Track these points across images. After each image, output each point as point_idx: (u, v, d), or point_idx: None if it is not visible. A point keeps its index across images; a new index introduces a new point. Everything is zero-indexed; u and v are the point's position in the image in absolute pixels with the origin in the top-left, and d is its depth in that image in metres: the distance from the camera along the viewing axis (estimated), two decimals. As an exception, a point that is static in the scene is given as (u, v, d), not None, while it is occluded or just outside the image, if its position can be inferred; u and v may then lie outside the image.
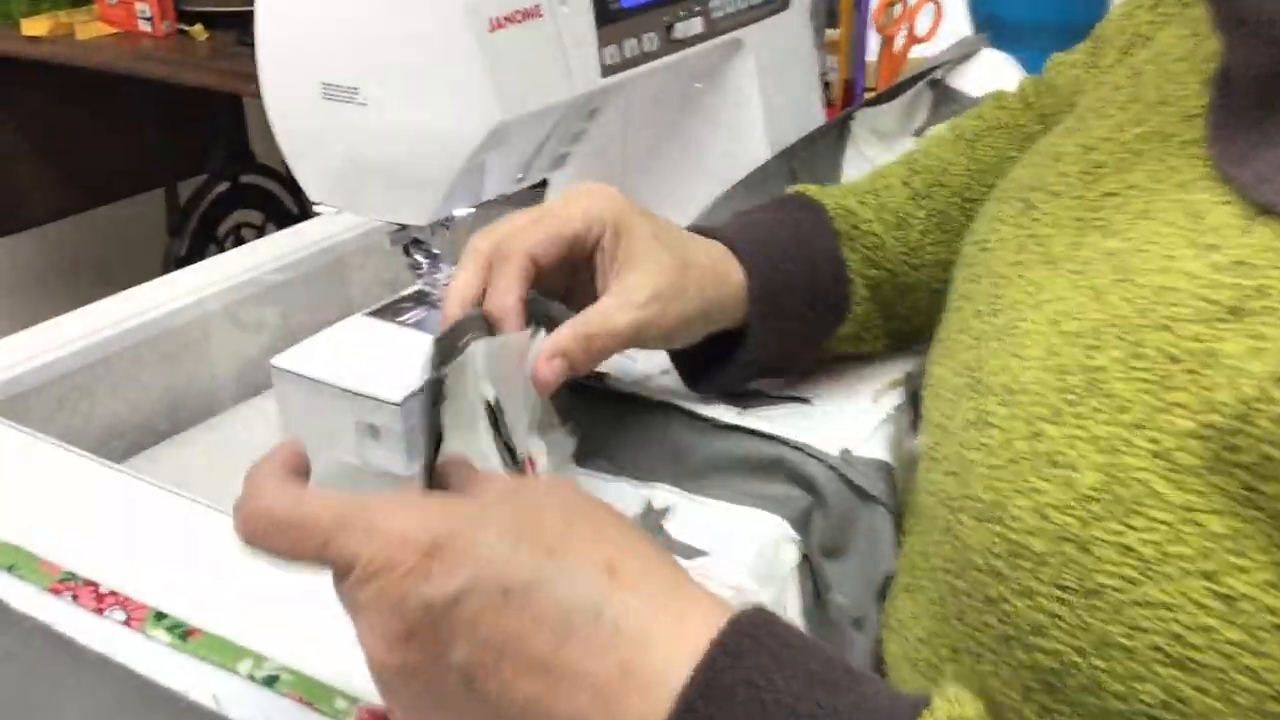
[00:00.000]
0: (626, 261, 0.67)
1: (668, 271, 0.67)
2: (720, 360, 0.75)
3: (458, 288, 0.66)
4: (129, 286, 0.98)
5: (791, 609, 0.63)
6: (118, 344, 0.92)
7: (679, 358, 0.76)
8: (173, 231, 2.44)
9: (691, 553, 0.63)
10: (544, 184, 1.08)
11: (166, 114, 2.49)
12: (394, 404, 0.78)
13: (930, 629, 0.56)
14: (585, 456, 0.71)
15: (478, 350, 0.59)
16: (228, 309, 0.99)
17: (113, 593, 0.62)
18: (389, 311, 0.89)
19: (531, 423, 0.64)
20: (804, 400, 0.75)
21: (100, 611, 0.61)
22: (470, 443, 0.58)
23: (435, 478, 0.53)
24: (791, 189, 0.79)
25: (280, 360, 0.83)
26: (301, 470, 0.49)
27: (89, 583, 0.63)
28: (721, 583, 0.61)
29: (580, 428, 0.71)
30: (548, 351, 0.64)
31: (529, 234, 0.66)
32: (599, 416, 0.73)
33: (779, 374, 0.77)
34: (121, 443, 0.93)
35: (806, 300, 0.73)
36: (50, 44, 2.31)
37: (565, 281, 0.71)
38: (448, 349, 0.59)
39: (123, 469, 0.75)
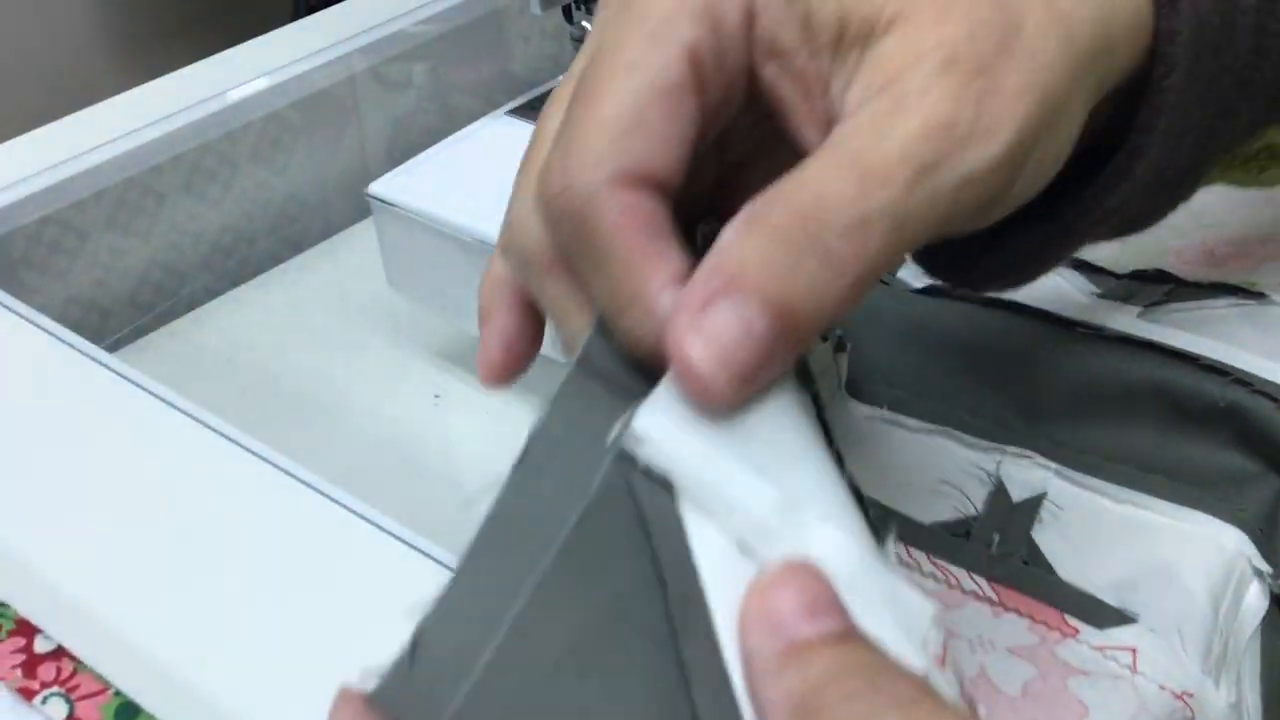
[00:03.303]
0: (853, 44, 0.27)
1: (974, 36, 0.26)
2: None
3: (491, 343, 0.31)
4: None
5: (1248, 700, 0.35)
6: (197, 133, 0.65)
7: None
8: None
9: (1106, 615, 0.34)
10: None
11: None
12: (546, 263, 0.50)
13: None
14: (876, 394, 0.41)
15: None
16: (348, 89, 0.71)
17: (58, 653, 0.36)
18: (540, 107, 0.60)
19: None
20: (1254, 294, 0.43)
21: (30, 695, 0.36)
22: None
23: None
24: None
25: (381, 186, 0.56)
26: None
27: (23, 625, 0.37)
28: (1162, 687, 0.32)
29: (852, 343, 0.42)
30: (693, 299, 0.24)
31: (601, 138, 0.26)
32: (888, 328, 0.42)
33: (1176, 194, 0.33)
34: (229, 261, 0.67)
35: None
36: None
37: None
38: None
39: (132, 379, 0.48)
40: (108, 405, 0.47)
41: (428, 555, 0.39)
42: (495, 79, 0.80)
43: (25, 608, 0.37)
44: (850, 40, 0.26)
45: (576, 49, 0.62)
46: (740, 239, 0.24)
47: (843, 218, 0.24)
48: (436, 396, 0.59)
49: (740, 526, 0.22)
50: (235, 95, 0.66)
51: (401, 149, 0.73)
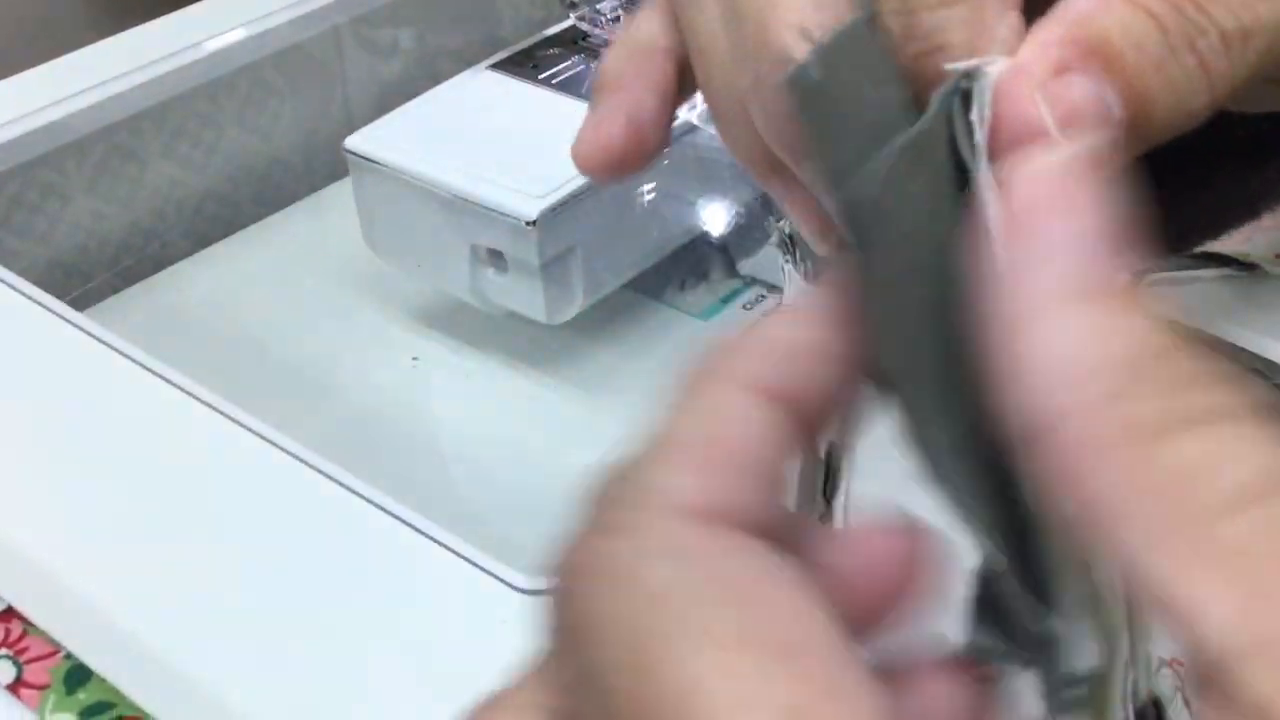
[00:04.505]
0: None
1: None
2: None
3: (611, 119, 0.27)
4: None
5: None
6: (175, 83, 0.63)
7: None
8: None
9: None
10: None
11: None
12: (526, 221, 0.49)
13: None
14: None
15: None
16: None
17: (8, 614, 0.34)
18: (525, 62, 0.59)
19: None
20: (1246, 265, 0.41)
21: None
22: None
23: None
24: None
25: (357, 141, 0.54)
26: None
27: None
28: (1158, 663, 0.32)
29: None
30: (1041, 59, 0.19)
31: None
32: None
33: None
34: (210, 223, 0.66)
35: None
36: None
37: None
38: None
39: (101, 337, 0.47)
40: (73, 364, 0.45)
41: (398, 518, 0.38)
42: (481, 41, 0.78)
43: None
44: None
45: (564, 6, 0.61)
46: (1103, 8, 0.20)
47: (1225, 22, 0.20)
48: (414, 359, 0.58)
49: None
50: (213, 45, 0.64)
51: (388, 108, 0.72)
